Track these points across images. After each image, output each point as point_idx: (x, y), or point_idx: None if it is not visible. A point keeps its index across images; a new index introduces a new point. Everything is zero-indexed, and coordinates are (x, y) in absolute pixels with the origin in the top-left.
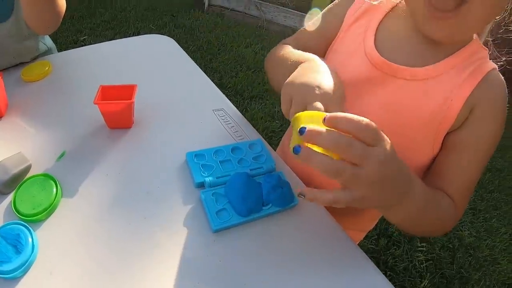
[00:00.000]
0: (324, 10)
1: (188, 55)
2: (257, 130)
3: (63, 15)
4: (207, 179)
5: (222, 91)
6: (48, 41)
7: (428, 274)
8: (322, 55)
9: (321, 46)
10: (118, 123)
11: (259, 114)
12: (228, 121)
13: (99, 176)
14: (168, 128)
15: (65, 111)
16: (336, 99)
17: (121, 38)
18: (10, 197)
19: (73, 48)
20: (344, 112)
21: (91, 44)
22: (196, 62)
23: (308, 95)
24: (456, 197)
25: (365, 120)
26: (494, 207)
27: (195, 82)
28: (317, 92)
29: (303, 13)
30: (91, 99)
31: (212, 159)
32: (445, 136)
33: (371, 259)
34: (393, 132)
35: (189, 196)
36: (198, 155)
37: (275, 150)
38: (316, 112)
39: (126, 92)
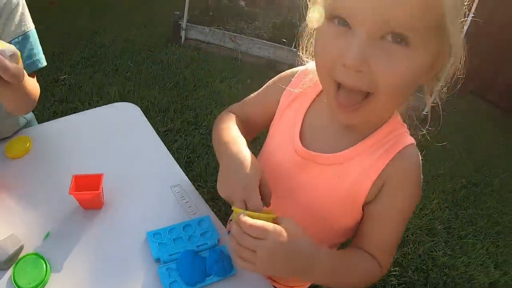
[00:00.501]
0: (267, 84)
1: (166, 93)
2: None
3: (37, 97)
4: (162, 257)
5: (197, 131)
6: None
7: None
8: (259, 125)
9: (263, 119)
10: (90, 206)
11: None
12: (184, 197)
13: (79, 253)
14: (132, 207)
15: (47, 189)
16: (251, 192)
17: (100, 75)
18: (9, 272)
19: (54, 86)
20: (267, 192)
21: (71, 83)
22: (173, 100)
23: (233, 197)
24: (377, 256)
25: (249, 222)
26: (470, 223)
27: (156, 155)
28: (237, 195)
29: (277, 44)
30: (68, 176)
31: (167, 237)
32: (363, 206)
33: None
34: (313, 209)
35: (150, 268)
36: (156, 234)
37: None
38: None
39: (95, 179)
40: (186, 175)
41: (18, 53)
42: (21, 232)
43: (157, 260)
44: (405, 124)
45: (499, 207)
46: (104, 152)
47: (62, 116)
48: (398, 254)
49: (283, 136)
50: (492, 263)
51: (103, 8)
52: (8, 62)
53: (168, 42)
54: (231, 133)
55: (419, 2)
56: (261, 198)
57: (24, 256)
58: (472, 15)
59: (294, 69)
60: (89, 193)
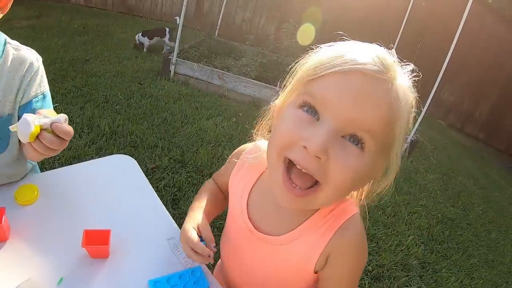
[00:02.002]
0: (228, 160)
1: (154, 129)
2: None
3: None
4: None
5: (184, 169)
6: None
7: None
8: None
9: (225, 189)
10: (98, 256)
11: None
12: (178, 249)
13: None
14: (134, 256)
15: (57, 237)
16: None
17: (91, 106)
18: None
19: None
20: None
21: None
22: (160, 136)
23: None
24: None
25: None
26: (445, 257)
27: (152, 208)
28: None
29: (262, 83)
30: (74, 225)
31: (165, 285)
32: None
33: None
34: (269, 279)
35: None
36: (156, 282)
37: None
38: None
39: (104, 234)
40: (173, 212)
41: (67, 117)
42: (37, 277)
43: None
44: (348, 198)
45: (475, 240)
46: (105, 204)
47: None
48: None
49: (235, 212)
50: None
51: (95, 37)
52: (67, 127)
53: (158, 75)
54: (197, 202)
55: (380, 114)
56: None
57: None
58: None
59: (247, 144)
60: (99, 247)
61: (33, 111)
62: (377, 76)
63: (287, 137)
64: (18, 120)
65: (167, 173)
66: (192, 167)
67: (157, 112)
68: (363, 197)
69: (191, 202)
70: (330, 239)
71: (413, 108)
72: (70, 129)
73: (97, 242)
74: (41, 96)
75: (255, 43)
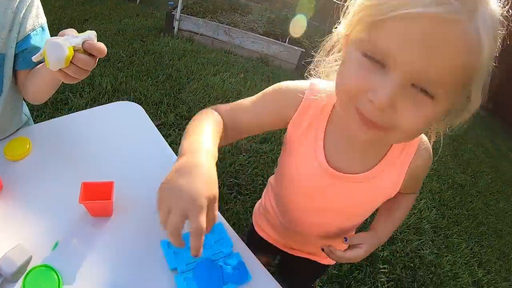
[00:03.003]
0: (264, 94)
1: (158, 86)
2: (224, 164)
3: None
4: (179, 266)
5: None
6: (26, 111)
7: None
8: (249, 133)
9: (251, 127)
10: (100, 214)
11: (226, 147)
12: None
13: (91, 264)
14: (143, 214)
15: (52, 195)
16: (201, 209)
17: None
18: (19, 284)
19: None
20: (212, 218)
21: None
22: (165, 93)
23: (174, 206)
24: (410, 198)
25: None
26: (455, 223)
27: (162, 159)
28: (181, 205)
29: (270, 39)
30: (72, 180)
31: None
32: None
33: (335, 284)
34: (350, 213)
35: (166, 277)
36: (170, 242)
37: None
38: None
39: (106, 187)
40: None
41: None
42: (28, 242)
43: (174, 270)
44: None
45: (484, 208)
46: (108, 155)
47: (52, 108)
48: (387, 251)
49: (309, 162)
50: (476, 262)
51: None
52: (100, 43)
53: (160, 33)
54: (198, 132)
55: (456, 62)
56: None
57: (33, 268)
58: None
59: (298, 86)
60: (100, 202)
61: (33, 47)
62: (451, 17)
63: (353, 86)
64: (16, 59)
65: (173, 130)
66: None
67: (161, 69)
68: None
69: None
70: (408, 166)
71: (501, 29)
72: (103, 45)
73: (98, 197)
74: (40, 28)
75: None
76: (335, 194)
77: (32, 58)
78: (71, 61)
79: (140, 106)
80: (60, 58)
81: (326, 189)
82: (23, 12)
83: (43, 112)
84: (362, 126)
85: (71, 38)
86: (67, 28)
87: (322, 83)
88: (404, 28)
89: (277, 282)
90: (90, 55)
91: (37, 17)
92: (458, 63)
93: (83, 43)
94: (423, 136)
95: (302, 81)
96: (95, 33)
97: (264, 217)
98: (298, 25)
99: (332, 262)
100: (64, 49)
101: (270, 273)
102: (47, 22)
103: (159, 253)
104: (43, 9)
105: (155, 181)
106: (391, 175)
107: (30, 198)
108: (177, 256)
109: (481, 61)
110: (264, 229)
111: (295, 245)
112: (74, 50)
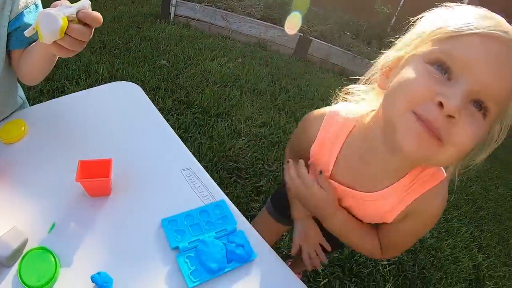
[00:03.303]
0: (298, 129)
1: (156, 71)
2: (223, 148)
3: None
4: (181, 245)
5: (189, 110)
6: (21, 93)
7: (392, 277)
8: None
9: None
10: (98, 193)
11: (226, 131)
12: (195, 181)
13: (89, 245)
14: (142, 192)
15: (48, 176)
16: None
17: (87, 53)
18: (14, 269)
19: None
20: None
21: (57, 60)
22: (163, 78)
23: None
24: (384, 247)
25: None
26: (455, 208)
27: (162, 137)
28: None
29: (268, 23)
30: (69, 161)
31: (183, 224)
32: None
33: (336, 267)
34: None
35: (167, 257)
36: (171, 221)
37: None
38: None
39: (103, 165)
40: None
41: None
42: (24, 225)
43: (175, 248)
44: None
45: (483, 193)
46: (106, 135)
47: (48, 96)
48: None
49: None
50: (476, 246)
51: None
52: (95, 12)
53: (157, 19)
54: None
55: (508, 91)
56: None
57: (29, 251)
58: None
59: (320, 111)
60: (98, 180)
61: (26, 25)
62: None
63: (420, 90)
64: (9, 39)
65: (171, 115)
66: (198, 108)
67: (158, 55)
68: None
69: (199, 143)
70: (414, 200)
71: None
72: (98, 14)
73: (95, 175)
74: (33, 6)
75: None
76: (350, 203)
77: (24, 33)
78: (65, 32)
79: (137, 86)
80: (54, 29)
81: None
82: None
83: (40, 100)
84: (419, 136)
85: (64, 8)
86: None
87: (345, 107)
88: (482, 44)
89: (282, 260)
90: (85, 24)
91: None
92: (509, 85)
93: (77, 12)
94: (444, 187)
95: (323, 109)
96: (89, 2)
97: None
98: (293, 23)
99: None
100: (58, 19)
101: None
102: (43, 5)
103: (160, 232)
104: None
105: (155, 159)
106: (393, 202)
107: (26, 181)
108: (178, 234)
109: None
110: None
111: None
112: (68, 21)
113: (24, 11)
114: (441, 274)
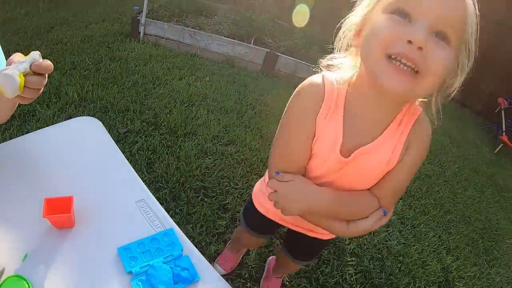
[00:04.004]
0: (292, 115)
1: (125, 93)
2: (190, 168)
3: None
4: (134, 270)
5: (157, 131)
6: None
7: (358, 285)
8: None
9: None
10: (63, 226)
11: (192, 151)
12: (148, 211)
13: (57, 271)
14: (102, 223)
15: (18, 211)
16: None
17: (58, 74)
18: None
19: None
20: None
21: None
22: (132, 100)
23: None
24: (379, 195)
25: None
26: (423, 213)
27: (119, 171)
28: None
29: (236, 40)
30: (37, 197)
31: (136, 251)
32: None
33: (302, 279)
34: (363, 180)
35: (123, 280)
36: (126, 249)
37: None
38: None
39: (66, 202)
40: (147, 176)
41: (39, 52)
42: (0, 256)
43: (129, 273)
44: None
45: (451, 196)
46: (70, 171)
47: (20, 120)
48: (355, 244)
49: (323, 155)
50: (445, 249)
51: (60, 4)
52: (45, 61)
53: (127, 38)
54: None
55: (462, 16)
56: None
57: (6, 279)
58: None
59: (315, 82)
60: (62, 216)
61: None
62: None
63: (390, 34)
64: None
65: (140, 137)
66: (166, 129)
67: (127, 75)
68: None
69: (166, 164)
70: (407, 135)
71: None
72: (49, 62)
73: (59, 211)
74: None
75: (228, 0)
76: (343, 172)
77: None
78: (24, 85)
79: (98, 121)
80: (14, 87)
81: (338, 177)
82: None
83: (11, 124)
84: (397, 75)
85: (19, 65)
86: (32, 36)
87: (332, 75)
88: None
89: (225, 281)
90: (39, 74)
91: None
92: (462, 13)
93: (30, 66)
94: (424, 117)
95: (312, 76)
96: (39, 52)
97: (264, 194)
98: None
99: (331, 236)
100: (15, 78)
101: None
102: (13, 29)
103: (116, 259)
104: (9, 16)
105: (112, 192)
106: (393, 144)
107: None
108: (132, 260)
109: (471, 21)
110: (263, 204)
111: (293, 220)
112: (23, 75)
113: None
114: (409, 279)
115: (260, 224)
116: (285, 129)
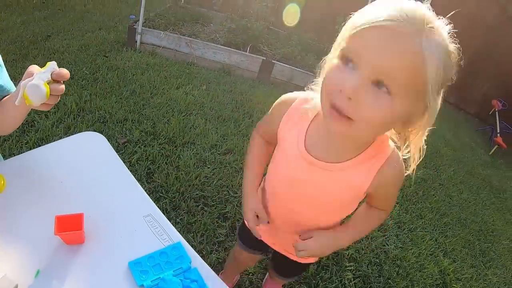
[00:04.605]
0: (273, 106)
1: (123, 103)
2: (190, 177)
3: None
4: (145, 283)
5: (156, 141)
6: None
7: None
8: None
9: (274, 135)
10: (73, 242)
11: (191, 161)
12: (156, 226)
13: (67, 286)
14: (111, 238)
15: (29, 227)
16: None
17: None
18: None
19: None
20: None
21: None
22: (130, 109)
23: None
24: (383, 209)
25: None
26: (419, 217)
27: (125, 186)
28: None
29: (232, 49)
30: (47, 213)
31: (146, 265)
32: None
33: (302, 285)
34: (325, 205)
35: None
36: (136, 263)
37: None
38: None
39: (76, 219)
40: (147, 186)
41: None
42: (13, 272)
43: (141, 286)
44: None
45: (447, 200)
46: (78, 187)
47: (19, 131)
48: (353, 250)
49: (291, 151)
50: (441, 252)
51: (56, 12)
52: (63, 69)
53: (123, 46)
54: (249, 173)
55: (403, 65)
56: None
57: None
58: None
59: (293, 95)
60: (73, 233)
61: None
62: (403, 31)
63: (331, 83)
64: None
65: (139, 147)
66: (165, 139)
67: (124, 85)
68: (409, 137)
69: (166, 174)
70: (377, 172)
71: (452, 57)
72: (66, 70)
73: (70, 228)
74: None
75: (223, 8)
76: (310, 181)
77: (15, 103)
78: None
79: (101, 136)
80: (41, 95)
81: (304, 176)
82: None
83: (10, 136)
84: (333, 118)
85: (41, 75)
86: (29, 45)
87: (313, 95)
88: (370, 35)
89: None
90: (57, 81)
91: None
92: (404, 66)
93: (52, 74)
94: (396, 151)
95: (299, 92)
96: (55, 62)
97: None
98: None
99: (310, 260)
100: (42, 88)
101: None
102: (10, 38)
103: (127, 273)
104: (5, 25)
105: (120, 208)
106: (360, 174)
107: (9, 232)
108: (143, 274)
109: (430, 74)
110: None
111: (275, 239)
112: (47, 84)
113: None
114: (407, 283)
115: (254, 242)
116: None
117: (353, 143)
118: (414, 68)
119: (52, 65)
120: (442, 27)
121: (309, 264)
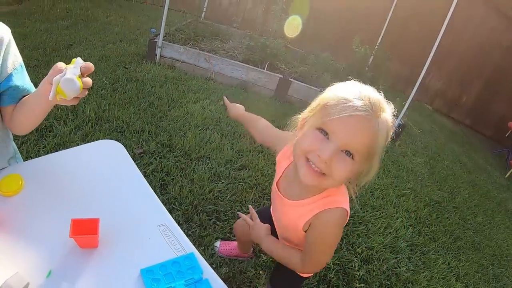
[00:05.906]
0: (281, 132)
1: (140, 114)
2: (203, 191)
3: None
4: None
5: (171, 154)
6: (13, 144)
7: None
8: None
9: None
10: (87, 246)
11: (206, 175)
12: (169, 235)
13: None
14: (124, 245)
15: (44, 228)
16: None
17: None
18: None
19: None
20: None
21: None
22: (147, 121)
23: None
24: (305, 260)
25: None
26: (432, 240)
27: (142, 195)
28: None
29: (249, 66)
30: (62, 215)
31: (159, 273)
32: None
33: None
34: (288, 228)
35: None
36: (148, 271)
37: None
38: None
39: (92, 223)
40: (161, 197)
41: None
42: (25, 270)
43: None
44: (347, 195)
45: (461, 223)
46: (94, 192)
47: (37, 135)
48: (364, 271)
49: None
50: (454, 276)
51: (79, 22)
52: (88, 63)
53: (143, 59)
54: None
55: (366, 141)
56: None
57: None
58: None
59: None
60: (88, 237)
61: (14, 85)
62: (367, 117)
63: (308, 147)
64: (0, 98)
65: (154, 158)
66: (180, 151)
67: (143, 96)
68: (356, 187)
69: (180, 186)
70: (313, 215)
71: (391, 131)
72: (91, 64)
73: (85, 232)
74: (20, 66)
75: (242, 26)
76: (281, 207)
77: (49, 97)
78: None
79: (120, 144)
80: (76, 89)
81: (277, 204)
82: (2, 55)
83: (28, 139)
84: (308, 173)
85: (73, 69)
86: (51, 52)
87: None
88: (345, 122)
89: None
90: (82, 76)
91: (15, 56)
92: (367, 141)
93: (81, 68)
94: (341, 212)
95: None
96: (80, 57)
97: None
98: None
99: (305, 275)
100: (76, 81)
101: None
102: (33, 44)
103: (139, 280)
104: (29, 31)
105: (135, 216)
106: (305, 212)
107: (26, 231)
108: (154, 282)
109: (378, 144)
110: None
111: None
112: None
113: (13, 72)
114: None
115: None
116: None
117: (314, 189)
118: (371, 142)
119: (78, 60)
120: (388, 108)
121: (303, 278)
